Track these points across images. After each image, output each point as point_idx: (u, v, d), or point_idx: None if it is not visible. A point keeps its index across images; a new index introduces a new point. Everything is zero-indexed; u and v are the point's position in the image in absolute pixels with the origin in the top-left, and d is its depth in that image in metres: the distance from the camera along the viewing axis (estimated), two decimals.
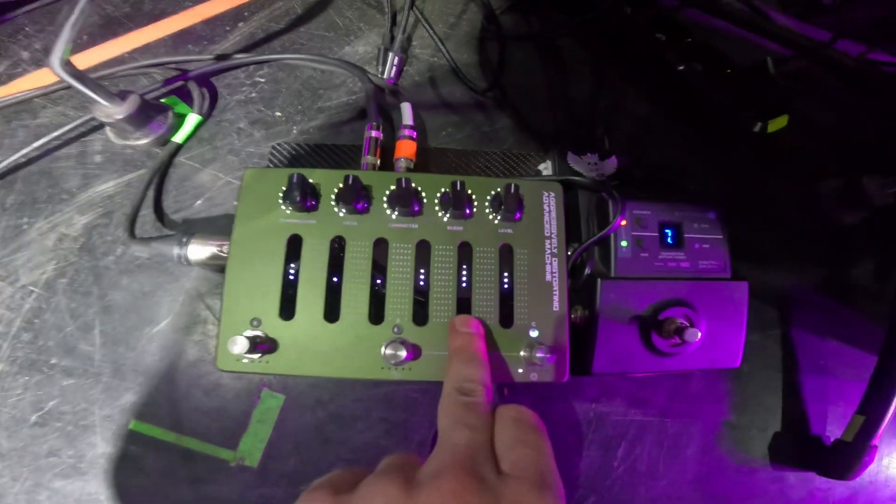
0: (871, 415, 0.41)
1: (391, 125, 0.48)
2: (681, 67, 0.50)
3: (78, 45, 0.51)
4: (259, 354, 0.33)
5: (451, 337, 0.34)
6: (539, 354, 0.33)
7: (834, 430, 0.45)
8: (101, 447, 0.38)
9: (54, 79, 0.48)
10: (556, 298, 0.36)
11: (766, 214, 0.50)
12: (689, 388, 0.44)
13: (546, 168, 0.45)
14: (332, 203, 0.36)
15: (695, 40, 0.53)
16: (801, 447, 0.45)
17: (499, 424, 0.26)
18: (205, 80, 0.49)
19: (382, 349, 0.34)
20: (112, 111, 0.41)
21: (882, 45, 0.57)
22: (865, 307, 0.49)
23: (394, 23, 0.53)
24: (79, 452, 0.38)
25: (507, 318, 0.35)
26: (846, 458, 0.42)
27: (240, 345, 0.31)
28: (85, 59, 0.50)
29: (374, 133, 0.43)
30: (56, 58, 0.35)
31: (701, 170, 0.50)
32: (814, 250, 0.50)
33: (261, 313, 0.34)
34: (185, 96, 0.48)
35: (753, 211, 0.49)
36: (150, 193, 0.44)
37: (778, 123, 0.48)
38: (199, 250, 0.37)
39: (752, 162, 0.51)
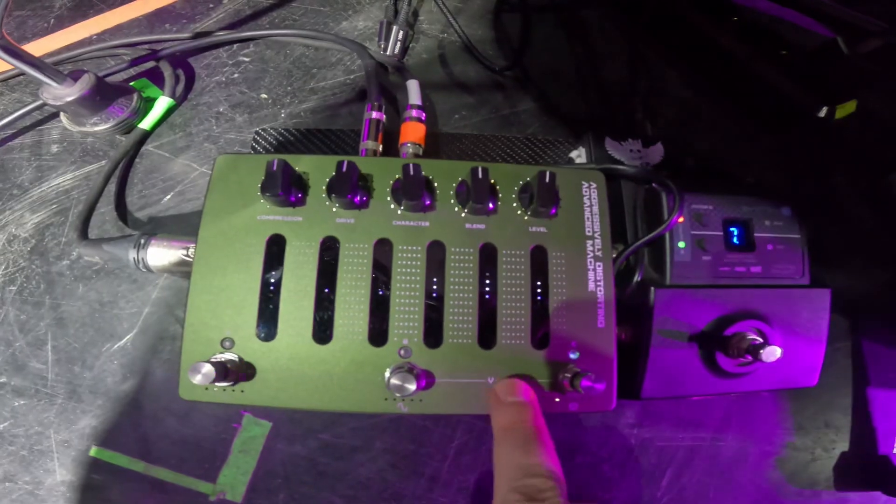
0: None
1: (395, 108, 0.43)
2: (729, 49, 0.44)
3: (42, 29, 0.47)
4: (231, 382, 0.28)
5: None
6: (584, 384, 0.27)
7: None
8: (60, 474, 0.35)
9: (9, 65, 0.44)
10: (601, 313, 0.30)
11: (830, 210, 0.45)
12: (746, 408, 0.40)
13: (579, 156, 0.39)
14: (323, 196, 0.31)
15: (742, 19, 0.48)
16: (868, 467, 0.41)
17: None
18: (180, 61, 0.44)
19: (386, 377, 0.28)
20: (61, 92, 0.36)
21: None
22: None
23: None
24: (36, 479, 0.35)
25: (541, 339, 0.30)
26: None
27: (203, 374, 0.26)
28: (49, 43, 0.46)
29: (374, 114, 0.38)
30: None
31: (757, 159, 0.45)
32: (884, 251, 0.45)
33: (234, 332, 0.29)
34: (158, 79, 0.43)
35: (816, 206, 0.45)
36: (112, 188, 0.39)
37: (846, 109, 0.43)
38: (160, 254, 0.32)
39: (814, 151, 0.46)
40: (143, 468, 0.35)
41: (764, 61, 0.45)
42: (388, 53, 0.44)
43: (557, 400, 0.29)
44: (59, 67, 0.36)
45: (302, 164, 0.31)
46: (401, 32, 0.44)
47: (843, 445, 0.41)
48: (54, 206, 0.39)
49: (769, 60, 0.45)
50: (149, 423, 0.36)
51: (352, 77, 0.44)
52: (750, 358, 0.32)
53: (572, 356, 0.30)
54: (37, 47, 0.46)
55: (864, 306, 0.44)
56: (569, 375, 0.29)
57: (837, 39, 0.42)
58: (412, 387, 0.26)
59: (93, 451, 0.35)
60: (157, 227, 0.38)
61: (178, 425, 0.36)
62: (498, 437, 0.25)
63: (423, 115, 0.39)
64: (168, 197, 0.39)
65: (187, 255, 0.31)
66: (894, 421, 0.41)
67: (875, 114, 0.48)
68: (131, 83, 0.42)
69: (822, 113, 0.42)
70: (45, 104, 0.37)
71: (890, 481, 0.39)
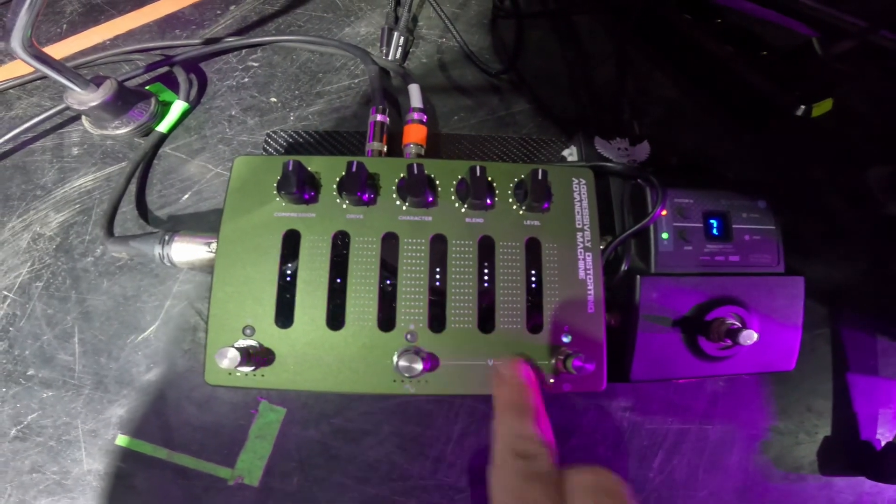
0: None
1: (398, 110, 0.45)
2: (712, 50, 0.46)
3: (55, 35, 0.49)
4: (253, 367, 0.30)
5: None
6: (576, 364, 0.29)
7: (885, 433, 0.43)
8: (87, 463, 0.36)
9: (30, 69, 0.45)
10: (591, 299, 0.32)
11: (809, 204, 0.47)
12: (732, 393, 0.41)
13: (571, 154, 0.41)
14: (334, 194, 0.32)
15: (725, 21, 0.49)
16: (851, 452, 0.42)
17: (574, 498, 0.22)
18: (193, 66, 0.46)
19: (394, 360, 0.30)
20: (86, 97, 0.37)
21: None
22: None
23: (398, 2, 0.49)
24: (63, 469, 0.36)
25: (535, 323, 0.32)
26: None
27: (229, 357, 0.28)
28: (63, 49, 0.48)
29: (379, 117, 0.39)
30: (17, 39, 0.31)
31: (738, 157, 0.47)
32: (862, 243, 0.47)
33: (254, 320, 0.31)
34: (171, 83, 0.45)
35: (795, 200, 0.46)
36: (133, 188, 0.41)
37: (823, 107, 0.44)
38: (183, 249, 0.34)
39: (793, 148, 0.48)
40: (167, 455, 0.36)
41: (745, 62, 0.46)
42: (389, 58, 0.46)
43: (552, 381, 0.31)
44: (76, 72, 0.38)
45: (314, 164, 0.33)
46: (401, 38, 0.46)
47: (825, 430, 0.42)
48: (77, 205, 0.40)
49: (750, 61, 0.46)
50: (171, 411, 0.37)
51: (356, 81, 0.46)
52: (730, 342, 0.33)
53: (565, 340, 0.31)
54: (51, 52, 0.47)
55: (843, 295, 0.45)
56: (561, 357, 0.30)
57: (812, 41, 0.44)
58: (419, 367, 0.28)
59: (119, 440, 0.36)
60: (177, 225, 0.39)
61: (199, 413, 0.37)
62: (498, 409, 0.27)
63: (425, 117, 0.40)
64: (186, 196, 0.41)
65: (209, 250, 0.33)
66: (875, 406, 0.43)
67: (851, 111, 0.50)
68: (146, 87, 0.44)
69: (800, 111, 0.43)
70: (67, 108, 0.39)
71: (874, 466, 0.40)
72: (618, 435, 0.40)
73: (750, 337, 0.32)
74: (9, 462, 0.36)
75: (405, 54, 0.47)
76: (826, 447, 0.41)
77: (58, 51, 0.47)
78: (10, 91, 0.45)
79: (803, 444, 0.41)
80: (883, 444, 0.41)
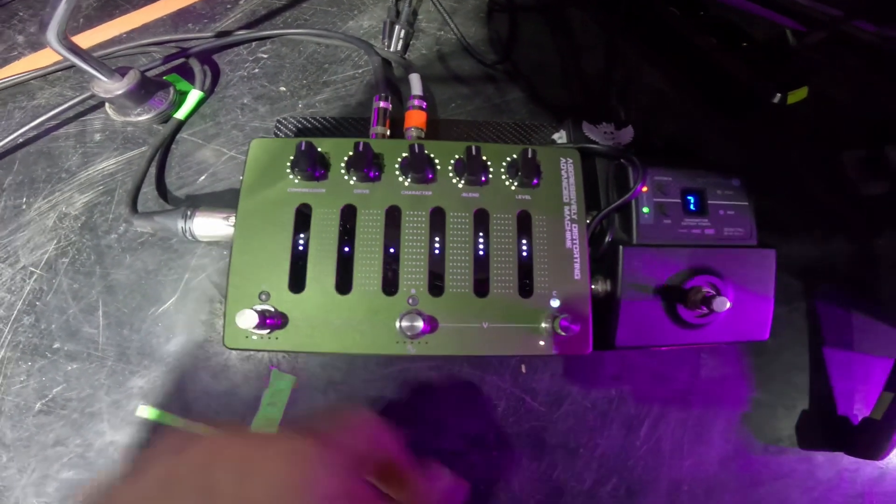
0: None
1: (399, 99, 0.47)
2: (695, 42, 0.48)
3: (73, 28, 0.50)
4: (268, 330, 0.32)
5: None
6: (563, 324, 0.32)
7: (862, 409, 0.44)
8: (109, 435, 0.37)
9: (50, 60, 0.48)
10: (577, 266, 0.34)
11: (787, 186, 0.48)
12: (714, 365, 0.43)
13: (560, 137, 0.44)
14: (342, 171, 0.35)
15: (708, 14, 0.52)
16: (829, 426, 0.43)
17: None
18: (206, 58, 0.48)
19: (398, 322, 0.32)
20: (111, 87, 0.40)
21: (893, 24, 0.55)
22: (892, 280, 0.47)
23: None
24: (86, 441, 0.37)
25: (526, 288, 0.34)
26: (875, 437, 0.40)
27: (248, 318, 0.30)
28: (81, 42, 0.48)
29: (382, 104, 0.42)
30: (53, 32, 0.34)
31: (719, 142, 0.49)
32: (837, 222, 0.48)
33: (269, 286, 0.33)
34: (187, 74, 0.47)
35: (774, 182, 0.48)
36: (152, 171, 0.43)
37: (798, 95, 0.46)
38: (204, 223, 0.36)
39: (771, 134, 0.49)
40: (184, 424, 0.37)
41: (725, 52, 0.48)
42: (391, 50, 0.48)
43: (542, 343, 0.33)
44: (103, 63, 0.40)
45: (324, 145, 0.35)
46: (402, 31, 0.48)
47: (803, 403, 0.43)
48: (100, 187, 0.43)
49: (730, 52, 0.48)
50: (188, 380, 0.38)
51: (360, 71, 0.48)
52: (705, 309, 0.35)
53: (553, 304, 0.34)
54: None
55: (819, 271, 0.46)
56: (550, 319, 0.33)
57: (786, 31, 0.46)
58: (419, 325, 0.31)
59: (139, 411, 0.37)
60: (195, 204, 0.40)
61: (214, 382, 0.38)
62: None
63: (424, 103, 0.43)
64: (202, 178, 0.43)
65: (227, 223, 0.36)
66: (851, 381, 0.44)
67: (827, 99, 0.51)
68: (164, 78, 0.46)
69: (776, 99, 0.45)
70: (92, 96, 0.41)
71: (850, 441, 0.41)
72: (606, 403, 0.41)
73: (723, 304, 0.34)
74: (33, 437, 0.37)
75: (406, 46, 0.49)
76: (804, 421, 0.43)
77: (77, 43, 0.49)
78: (32, 82, 0.47)
79: (782, 418, 0.43)
80: (860, 419, 0.42)
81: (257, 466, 0.18)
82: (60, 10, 0.32)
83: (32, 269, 0.41)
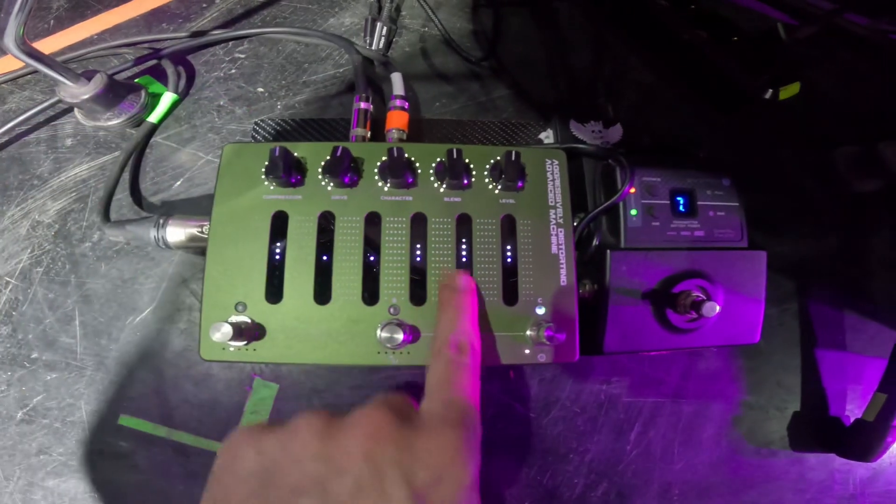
0: (892, 393, 0.39)
1: (381, 98, 0.46)
2: (686, 36, 0.47)
3: (43, 30, 0.49)
4: (245, 342, 0.31)
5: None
6: (547, 334, 0.31)
7: (854, 410, 0.44)
8: (92, 444, 0.37)
9: (20, 64, 0.46)
10: (563, 272, 0.33)
11: (778, 183, 0.47)
12: (704, 367, 0.43)
13: (548, 137, 0.43)
14: (319, 177, 0.34)
15: (698, 7, 0.50)
16: (821, 428, 0.43)
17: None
18: (180, 59, 0.47)
19: (378, 332, 0.31)
20: (77, 91, 0.39)
21: (886, 17, 0.54)
22: (885, 279, 0.47)
23: None
24: (69, 450, 0.37)
25: (511, 295, 0.33)
26: (867, 438, 0.40)
27: (223, 332, 0.29)
28: (51, 44, 0.48)
29: (363, 105, 0.41)
30: (10, 37, 0.32)
31: (709, 138, 0.48)
32: (830, 220, 0.47)
33: (246, 297, 0.32)
34: (160, 75, 0.46)
35: (765, 179, 0.47)
36: (126, 176, 0.42)
37: (790, 90, 0.45)
38: (177, 231, 0.35)
39: (762, 130, 0.49)
40: (166, 433, 0.37)
41: (716, 47, 0.47)
42: (373, 48, 0.47)
43: (527, 351, 0.32)
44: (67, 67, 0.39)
45: (300, 149, 0.34)
46: (384, 28, 0.47)
47: (795, 405, 0.43)
48: (73, 193, 0.42)
49: (721, 46, 0.47)
50: (170, 389, 0.38)
51: (341, 70, 0.47)
52: (695, 314, 0.34)
53: (538, 311, 0.33)
54: (40, 48, 0.48)
55: (811, 270, 0.46)
56: (535, 327, 0.32)
57: (777, 25, 0.45)
58: (399, 337, 0.30)
59: (121, 420, 0.37)
60: (171, 210, 0.40)
61: (196, 391, 0.38)
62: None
63: (407, 104, 0.42)
64: (178, 183, 0.42)
65: (201, 232, 0.35)
66: (843, 382, 0.44)
67: (819, 94, 0.51)
68: (136, 80, 0.45)
69: (768, 95, 0.44)
70: (60, 101, 0.40)
71: (842, 442, 0.41)
72: (596, 408, 0.41)
73: (712, 309, 0.33)
74: (16, 445, 0.37)
75: (388, 44, 0.48)
76: (796, 423, 0.43)
77: (46, 46, 0.48)
78: (3, 86, 0.46)
79: (774, 420, 0.42)
80: (852, 420, 0.42)
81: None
82: (16, 15, 0.30)
83: (7, 279, 0.40)
